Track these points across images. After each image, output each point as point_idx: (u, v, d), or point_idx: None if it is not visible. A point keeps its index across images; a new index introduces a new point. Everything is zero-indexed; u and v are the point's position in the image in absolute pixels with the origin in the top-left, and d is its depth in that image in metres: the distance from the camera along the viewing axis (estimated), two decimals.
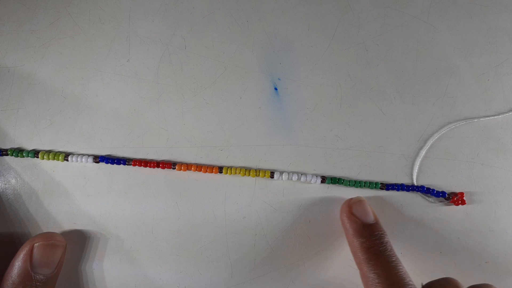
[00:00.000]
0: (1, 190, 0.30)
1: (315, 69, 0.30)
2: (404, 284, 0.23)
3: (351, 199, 0.29)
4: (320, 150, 0.30)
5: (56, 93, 0.31)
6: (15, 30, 0.31)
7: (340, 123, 0.30)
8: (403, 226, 0.29)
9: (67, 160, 0.30)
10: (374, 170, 0.30)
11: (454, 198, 0.29)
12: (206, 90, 0.30)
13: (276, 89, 0.30)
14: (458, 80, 0.30)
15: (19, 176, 0.30)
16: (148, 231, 0.30)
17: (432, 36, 0.30)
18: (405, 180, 0.30)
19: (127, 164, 0.30)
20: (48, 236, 0.27)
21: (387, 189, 0.29)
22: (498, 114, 0.30)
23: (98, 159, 0.30)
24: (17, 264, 0.26)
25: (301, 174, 0.29)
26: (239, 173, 0.29)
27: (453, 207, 0.29)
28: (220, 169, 0.29)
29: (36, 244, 0.27)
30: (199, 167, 0.29)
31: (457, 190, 0.29)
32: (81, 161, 0.30)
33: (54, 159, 0.30)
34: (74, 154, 0.30)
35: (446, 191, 0.29)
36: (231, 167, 0.30)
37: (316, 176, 0.29)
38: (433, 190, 0.29)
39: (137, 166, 0.30)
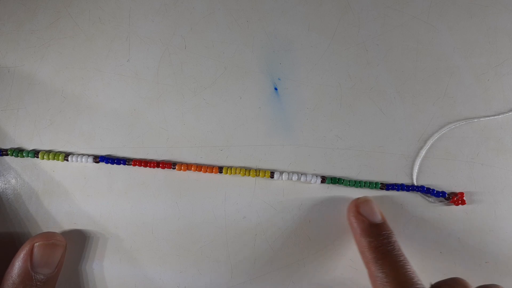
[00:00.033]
0: (1, 190, 0.30)
1: (315, 69, 0.30)
2: (412, 283, 0.23)
3: (358, 198, 0.29)
4: (320, 150, 0.30)
5: (56, 93, 0.31)
6: (15, 30, 0.31)
7: (340, 123, 0.30)
8: (403, 226, 0.29)
9: (67, 160, 0.30)
10: (374, 170, 0.30)
11: (454, 198, 0.29)
12: (206, 90, 0.30)
13: (276, 89, 0.30)
14: (458, 80, 0.30)
15: (19, 176, 0.30)
16: (148, 231, 0.30)
17: (432, 36, 0.30)
18: (405, 180, 0.30)
19: (127, 164, 0.30)
20: (48, 236, 0.28)
21: (387, 189, 0.29)
22: (498, 114, 0.30)
23: (98, 159, 0.30)
24: (18, 264, 0.26)
25: (301, 174, 0.29)
26: (239, 173, 0.29)
27: (453, 207, 0.29)
28: (220, 169, 0.29)
29: (37, 244, 0.27)
30: (199, 167, 0.29)
31: (457, 190, 0.29)
32: (81, 161, 0.30)
33: (54, 159, 0.30)
34: (74, 154, 0.30)
35: (446, 191, 0.29)
36: (231, 167, 0.30)
37: (316, 176, 0.29)
38: (433, 190, 0.29)
39: (137, 166, 0.30)
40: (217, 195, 0.30)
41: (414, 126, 0.30)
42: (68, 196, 0.30)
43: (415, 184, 0.29)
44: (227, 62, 0.31)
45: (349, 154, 0.30)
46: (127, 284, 0.30)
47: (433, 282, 0.25)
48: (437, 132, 0.30)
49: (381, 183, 0.29)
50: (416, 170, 0.29)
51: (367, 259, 0.26)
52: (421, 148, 0.30)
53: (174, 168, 0.29)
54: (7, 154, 0.30)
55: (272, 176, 0.29)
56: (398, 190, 0.29)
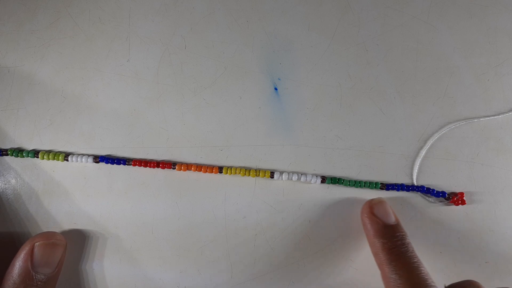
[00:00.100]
0: (1, 190, 0.30)
1: (315, 69, 0.30)
2: (426, 285, 0.23)
3: (372, 200, 0.29)
4: (320, 150, 0.30)
5: (56, 93, 0.31)
6: (15, 30, 0.31)
7: (340, 123, 0.30)
8: (403, 226, 0.29)
9: (67, 160, 0.30)
10: (374, 170, 0.30)
11: (454, 198, 0.29)
12: (206, 90, 0.30)
13: (276, 89, 0.30)
14: (458, 80, 0.30)
15: (19, 176, 0.30)
16: (148, 231, 0.30)
17: (432, 36, 0.30)
18: (405, 180, 0.30)
19: (127, 164, 0.30)
20: (49, 236, 0.28)
21: (387, 189, 0.29)
22: (498, 114, 0.30)
23: (98, 159, 0.30)
24: (18, 264, 0.26)
25: (301, 174, 0.29)
26: (239, 173, 0.29)
27: (453, 207, 0.29)
28: (220, 169, 0.29)
29: (37, 244, 0.27)
30: (199, 167, 0.29)
31: (457, 190, 0.29)
32: (81, 161, 0.30)
33: (54, 159, 0.30)
34: (74, 154, 0.30)
35: (446, 191, 0.29)
36: (231, 167, 0.30)
37: (316, 176, 0.29)
38: (433, 190, 0.29)
39: (137, 166, 0.30)
40: (217, 195, 0.30)
41: (414, 126, 0.30)
42: (68, 196, 0.30)
43: (415, 184, 0.29)
44: (227, 62, 0.31)
45: (349, 154, 0.30)
46: (127, 284, 0.30)
47: (447, 284, 0.24)
48: (437, 132, 0.30)
49: (381, 183, 0.29)
50: (416, 170, 0.29)
51: (381, 260, 0.26)
52: (421, 148, 0.30)
53: (174, 168, 0.29)
54: (7, 154, 0.30)
55: (272, 176, 0.29)
56: (398, 190, 0.29)
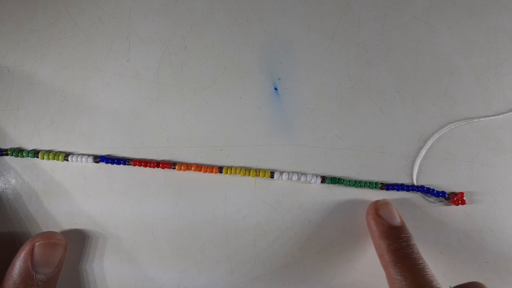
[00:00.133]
0: (1, 190, 0.30)
1: (315, 69, 0.30)
2: (431, 286, 0.23)
3: (377, 201, 0.29)
4: (320, 150, 0.30)
5: (56, 93, 0.31)
6: (15, 30, 0.31)
7: (340, 123, 0.30)
8: None
9: (67, 160, 0.30)
10: (374, 170, 0.30)
11: (454, 198, 0.29)
12: (206, 90, 0.30)
13: (276, 89, 0.30)
14: (458, 80, 0.30)
15: (19, 176, 0.30)
16: (148, 231, 0.30)
17: (432, 36, 0.30)
18: (405, 180, 0.30)
19: (127, 164, 0.30)
20: (49, 235, 0.28)
21: (387, 189, 0.29)
22: (498, 114, 0.30)
23: (98, 159, 0.30)
24: (18, 264, 0.26)
25: (301, 174, 0.29)
26: (239, 173, 0.29)
27: (453, 207, 0.29)
28: (220, 169, 0.29)
29: (37, 243, 0.27)
30: (199, 167, 0.29)
31: (457, 190, 0.29)
32: (81, 161, 0.30)
33: (54, 159, 0.30)
34: (74, 154, 0.30)
35: (446, 191, 0.29)
36: (231, 167, 0.30)
37: (316, 176, 0.29)
38: (433, 190, 0.29)
39: (137, 166, 0.30)
40: (217, 195, 0.30)
41: (414, 126, 0.30)
42: (68, 196, 0.30)
43: (415, 184, 0.29)
44: (227, 62, 0.31)
45: (349, 154, 0.30)
46: (127, 284, 0.30)
47: (452, 285, 0.24)
48: (437, 132, 0.30)
49: (381, 183, 0.29)
50: (416, 170, 0.29)
51: (386, 261, 0.26)
52: (421, 148, 0.30)
53: (174, 168, 0.29)
54: (7, 154, 0.30)
55: (272, 176, 0.29)
56: (398, 190, 0.29)
